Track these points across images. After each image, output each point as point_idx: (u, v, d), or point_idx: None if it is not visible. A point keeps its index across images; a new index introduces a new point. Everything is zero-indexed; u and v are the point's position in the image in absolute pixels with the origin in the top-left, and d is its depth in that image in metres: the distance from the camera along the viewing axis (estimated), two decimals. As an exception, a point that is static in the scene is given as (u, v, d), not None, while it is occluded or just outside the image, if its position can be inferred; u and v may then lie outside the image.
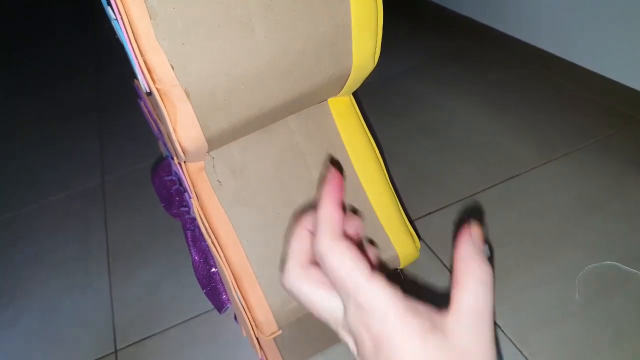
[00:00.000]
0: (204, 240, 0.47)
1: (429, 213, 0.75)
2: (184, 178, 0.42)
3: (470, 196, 0.77)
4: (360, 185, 0.46)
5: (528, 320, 0.58)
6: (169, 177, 0.59)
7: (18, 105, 1.35)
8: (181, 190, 0.57)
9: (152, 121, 0.55)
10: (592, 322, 0.56)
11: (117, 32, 0.36)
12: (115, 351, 0.67)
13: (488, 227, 0.71)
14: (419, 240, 0.50)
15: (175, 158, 0.43)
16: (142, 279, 0.76)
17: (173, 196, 0.59)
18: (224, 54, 0.33)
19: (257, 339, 0.43)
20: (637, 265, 0.60)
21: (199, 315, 0.68)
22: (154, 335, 0.68)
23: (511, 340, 0.57)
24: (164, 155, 0.64)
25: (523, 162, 0.80)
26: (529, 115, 0.89)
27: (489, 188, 0.77)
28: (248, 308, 0.42)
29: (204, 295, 0.67)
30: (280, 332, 0.43)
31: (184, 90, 0.33)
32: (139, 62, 0.31)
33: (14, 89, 1.45)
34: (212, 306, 0.66)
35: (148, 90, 0.33)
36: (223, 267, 0.42)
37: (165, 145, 0.55)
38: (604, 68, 0.77)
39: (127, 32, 0.30)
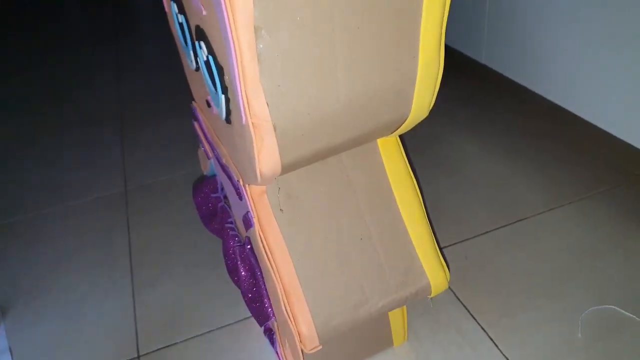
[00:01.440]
0: (253, 256, 0.51)
1: (444, 247, 0.80)
2: (247, 198, 0.47)
3: (483, 234, 0.82)
4: (401, 218, 0.51)
5: (534, 354, 0.63)
6: (215, 195, 0.63)
7: (43, 113, 1.39)
8: (226, 208, 0.61)
9: (206, 143, 0.60)
10: (594, 361, 0.61)
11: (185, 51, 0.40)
12: (138, 356, 0.70)
13: (496, 265, 0.75)
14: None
15: (240, 180, 0.48)
16: (165, 288, 0.79)
17: (217, 213, 0.63)
18: (311, 96, 0.38)
19: (301, 350, 0.47)
20: (635, 310, 0.65)
21: (223, 327, 0.71)
22: (176, 344, 0.71)
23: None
24: (206, 174, 0.68)
25: (533, 205, 0.85)
26: (539, 162, 0.95)
27: (500, 228, 0.82)
28: (294, 321, 0.46)
29: (226, 308, 0.71)
30: (320, 347, 0.47)
31: (273, 125, 0.38)
32: (242, 98, 0.36)
33: (38, 97, 1.49)
34: (240, 319, 0.70)
35: (243, 122, 0.37)
36: (275, 282, 0.46)
37: (216, 165, 0.60)
38: (611, 126, 0.83)
39: (237, 72, 0.34)
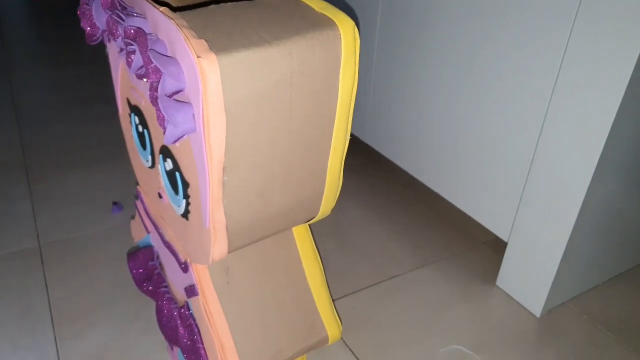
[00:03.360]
0: (192, 318, 0.65)
1: (336, 299, 0.98)
2: (192, 273, 0.61)
3: (364, 288, 1.01)
4: (308, 285, 0.68)
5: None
6: (152, 263, 0.75)
7: None
8: (161, 275, 0.74)
9: (147, 220, 0.72)
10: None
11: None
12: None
13: (375, 315, 0.95)
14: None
15: (188, 259, 0.62)
16: (89, 340, 0.87)
17: (152, 277, 0.75)
18: (254, 209, 0.54)
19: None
20: (475, 349, 0.87)
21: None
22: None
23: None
24: (139, 243, 0.80)
25: (402, 265, 1.07)
26: (408, 228, 1.18)
27: (378, 283, 1.02)
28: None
29: (153, 355, 0.82)
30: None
31: (226, 226, 0.53)
32: (209, 210, 0.51)
33: None
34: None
35: (207, 226, 0.52)
36: (214, 338, 0.60)
37: (155, 239, 0.72)
38: (462, 204, 1.08)
39: (208, 195, 0.50)
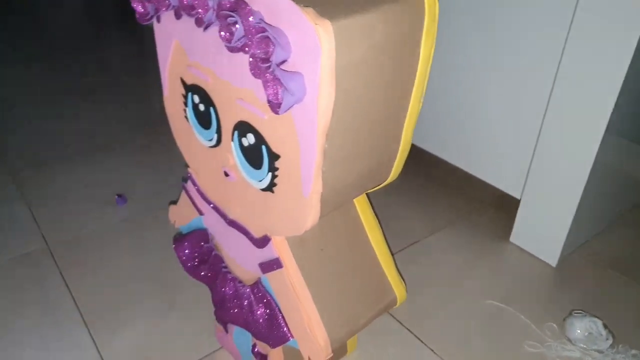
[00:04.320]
0: (268, 294, 0.66)
1: None
2: (272, 247, 0.61)
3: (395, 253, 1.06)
4: (374, 251, 0.70)
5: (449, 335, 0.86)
6: (207, 245, 0.74)
7: None
8: (219, 256, 0.73)
9: (202, 203, 0.71)
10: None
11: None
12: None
13: (405, 279, 0.98)
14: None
15: (267, 233, 0.62)
16: (126, 332, 0.87)
17: (208, 261, 0.75)
18: (341, 176, 0.56)
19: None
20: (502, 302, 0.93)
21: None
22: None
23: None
24: (181, 229, 0.79)
25: (419, 231, 1.12)
26: (417, 197, 1.23)
27: (400, 250, 1.06)
28: (315, 338, 0.62)
29: (194, 342, 0.84)
30: (331, 355, 0.63)
31: (321, 195, 0.54)
32: (312, 180, 0.52)
33: None
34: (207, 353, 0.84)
35: (306, 195, 0.53)
36: (301, 310, 0.61)
37: (211, 221, 0.71)
38: (469, 167, 1.13)
39: (314, 164, 0.51)
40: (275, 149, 0.54)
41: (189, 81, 0.61)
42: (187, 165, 0.72)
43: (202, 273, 0.75)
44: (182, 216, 0.78)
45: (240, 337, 0.79)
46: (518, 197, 1.03)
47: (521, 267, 1.02)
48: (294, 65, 0.47)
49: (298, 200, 0.55)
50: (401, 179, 1.30)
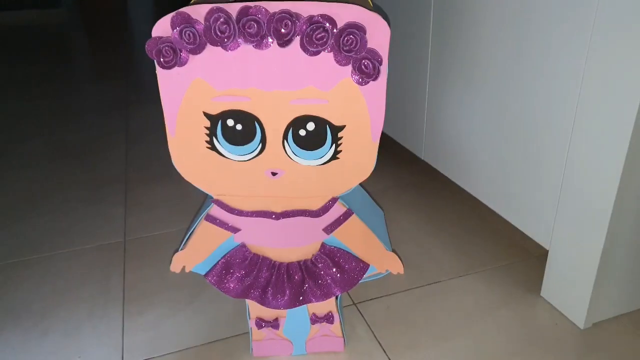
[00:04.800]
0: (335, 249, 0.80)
1: (373, 298, 1.05)
2: (336, 206, 0.76)
3: (399, 292, 1.07)
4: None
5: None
6: (251, 255, 0.80)
7: (57, 171, 1.64)
8: (267, 259, 0.81)
9: (234, 220, 0.77)
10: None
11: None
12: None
13: (409, 315, 1.01)
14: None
15: (329, 200, 0.75)
16: (148, 317, 1.01)
17: (261, 272, 0.81)
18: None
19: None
20: (509, 357, 0.92)
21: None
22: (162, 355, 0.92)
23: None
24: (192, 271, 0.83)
25: (447, 271, 1.12)
26: (461, 240, 1.24)
27: (417, 287, 1.08)
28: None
29: (213, 325, 0.95)
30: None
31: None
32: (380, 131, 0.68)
33: (51, 158, 1.73)
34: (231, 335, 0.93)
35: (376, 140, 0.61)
36: (374, 235, 0.80)
37: (252, 231, 0.78)
38: (513, 218, 1.14)
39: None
40: (339, 122, 0.68)
41: (217, 110, 0.67)
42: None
43: (252, 290, 0.81)
44: (198, 254, 0.81)
45: (293, 323, 0.88)
46: (547, 247, 1.03)
47: (542, 323, 0.99)
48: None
49: (368, 148, 0.70)
50: (449, 220, 1.35)
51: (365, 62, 0.62)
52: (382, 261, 0.81)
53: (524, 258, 1.17)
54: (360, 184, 0.76)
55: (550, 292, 1.04)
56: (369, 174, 0.73)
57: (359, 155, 0.70)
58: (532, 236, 1.07)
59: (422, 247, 1.20)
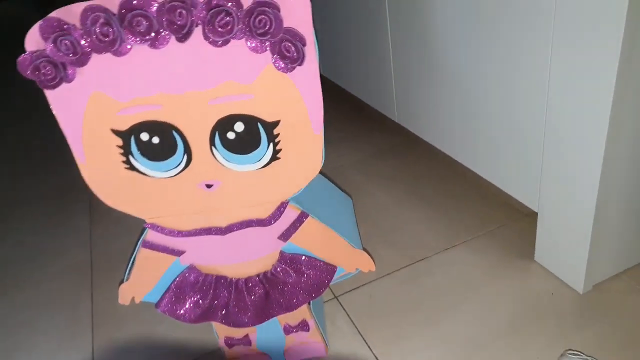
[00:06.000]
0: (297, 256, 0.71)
1: (355, 288, 0.97)
2: (289, 210, 0.66)
3: (382, 276, 0.98)
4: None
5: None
6: (203, 277, 0.72)
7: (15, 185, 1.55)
8: (221, 278, 0.72)
9: (175, 242, 0.68)
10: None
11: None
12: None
13: (394, 303, 0.92)
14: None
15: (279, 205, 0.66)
16: (120, 336, 0.95)
17: (216, 293, 0.72)
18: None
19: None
20: (508, 331, 0.84)
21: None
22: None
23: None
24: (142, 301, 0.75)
25: (431, 247, 1.04)
26: (441, 205, 1.15)
27: (400, 269, 1.00)
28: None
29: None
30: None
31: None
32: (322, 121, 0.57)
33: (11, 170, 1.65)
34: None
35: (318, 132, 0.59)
36: (336, 234, 0.70)
37: (207, 241, 0.68)
38: (499, 182, 1.04)
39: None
40: (271, 118, 0.57)
41: (126, 125, 0.57)
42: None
43: (212, 312, 0.72)
44: (145, 283, 0.73)
45: (265, 337, 0.81)
46: (536, 209, 0.94)
47: (539, 292, 0.91)
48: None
49: (311, 142, 0.59)
50: (426, 187, 1.25)
51: (286, 44, 0.51)
52: (350, 260, 0.72)
53: (514, 219, 1.09)
54: (322, 172, 0.66)
55: (544, 256, 0.96)
56: (317, 171, 0.62)
57: (303, 152, 0.61)
58: (518, 198, 0.98)
59: (403, 222, 1.12)
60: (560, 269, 0.92)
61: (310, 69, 0.54)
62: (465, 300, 0.91)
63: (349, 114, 1.56)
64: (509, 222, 1.08)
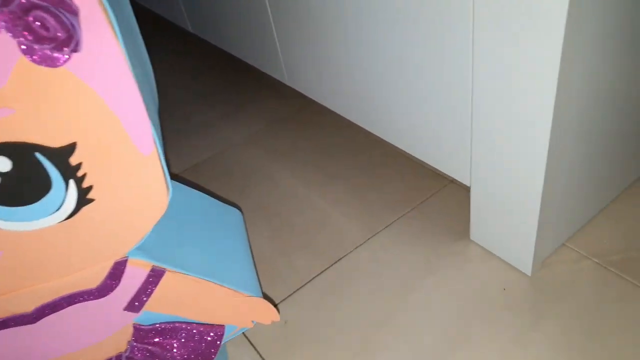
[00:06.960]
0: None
1: None
2: (136, 268, 0.34)
3: (301, 287, 0.79)
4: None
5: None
6: None
7: None
8: None
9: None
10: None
11: None
12: None
13: (314, 324, 0.73)
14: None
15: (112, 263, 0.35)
16: None
17: None
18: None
19: None
20: (458, 337, 0.69)
21: None
22: None
23: None
24: None
25: (350, 239, 0.85)
26: (358, 185, 0.95)
27: (320, 273, 0.80)
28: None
29: None
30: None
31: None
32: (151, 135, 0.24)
33: None
34: None
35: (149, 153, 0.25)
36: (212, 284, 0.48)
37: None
38: (410, 147, 0.85)
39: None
40: (58, 142, 0.35)
41: None
42: None
43: None
44: None
45: None
46: (468, 183, 0.77)
47: (483, 280, 0.74)
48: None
49: (141, 167, 0.38)
50: (338, 165, 1.03)
51: (37, 14, 0.27)
52: (242, 314, 0.51)
53: (440, 187, 0.92)
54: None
55: (481, 235, 0.79)
56: (164, 208, 0.40)
57: (132, 184, 0.39)
58: (447, 172, 0.79)
59: (314, 214, 0.91)
60: (503, 250, 0.77)
61: (107, 54, 0.31)
62: (402, 305, 0.73)
63: (235, 79, 1.30)
64: (435, 192, 0.91)
